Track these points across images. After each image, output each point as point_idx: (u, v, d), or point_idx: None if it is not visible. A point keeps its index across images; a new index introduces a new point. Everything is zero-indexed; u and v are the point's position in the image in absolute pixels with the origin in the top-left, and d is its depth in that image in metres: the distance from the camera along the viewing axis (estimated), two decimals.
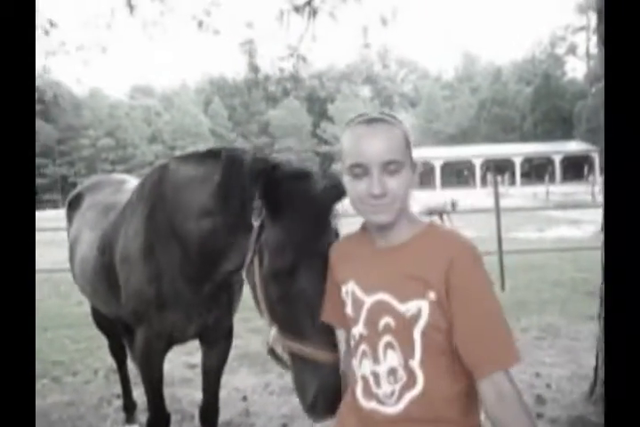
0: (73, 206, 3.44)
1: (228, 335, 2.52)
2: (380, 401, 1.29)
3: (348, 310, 1.36)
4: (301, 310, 1.55)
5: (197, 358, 4.66)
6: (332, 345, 1.55)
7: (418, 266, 1.25)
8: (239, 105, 70.40)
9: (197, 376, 4.20)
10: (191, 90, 75.55)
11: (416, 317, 1.23)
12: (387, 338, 1.27)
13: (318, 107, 69.58)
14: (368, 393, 1.32)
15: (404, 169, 1.27)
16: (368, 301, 1.31)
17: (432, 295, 1.21)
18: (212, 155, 2.01)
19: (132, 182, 3.23)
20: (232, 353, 2.59)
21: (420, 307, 1.22)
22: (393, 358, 1.27)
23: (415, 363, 1.24)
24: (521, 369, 3.98)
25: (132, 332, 3.66)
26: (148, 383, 2.46)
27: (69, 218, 3.46)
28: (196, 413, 3.35)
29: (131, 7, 5.91)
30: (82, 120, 62.74)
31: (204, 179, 1.97)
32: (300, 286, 1.55)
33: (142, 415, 3.45)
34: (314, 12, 5.93)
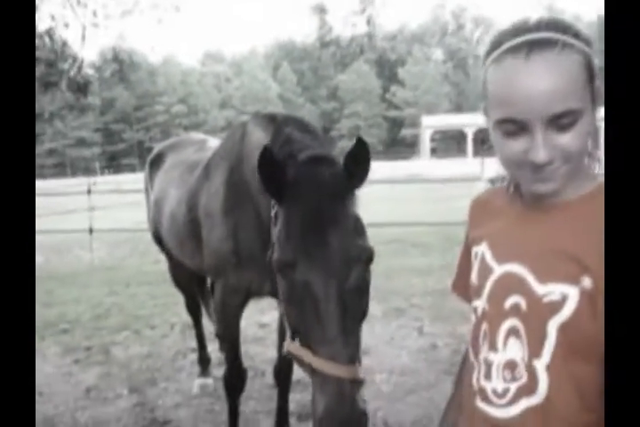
0: (155, 165, 3.49)
1: None
2: (485, 398, 1.00)
3: (473, 277, 1.09)
4: (307, 309, 1.38)
5: (269, 317, 4.76)
6: (348, 356, 1.34)
7: (577, 239, 0.92)
8: (308, 69, 69.93)
9: (269, 335, 4.30)
10: (260, 55, 75.70)
11: (558, 305, 0.91)
12: (512, 322, 0.98)
13: (388, 70, 67.75)
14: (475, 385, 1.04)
15: (584, 117, 0.87)
16: (498, 270, 1.02)
17: (587, 283, 0.89)
18: (275, 122, 1.99)
19: (214, 141, 3.28)
20: None
21: (566, 294, 0.90)
22: (514, 349, 0.97)
23: (541, 364, 0.94)
24: None
25: (206, 291, 3.77)
26: (226, 337, 2.52)
27: (151, 176, 3.51)
28: (268, 370, 3.43)
29: None
30: (156, 87, 64.64)
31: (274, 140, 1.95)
32: (303, 282, 1.39)
33: (216, 370, 3.57)
34: None
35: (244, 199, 2.16)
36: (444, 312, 4.67)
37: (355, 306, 1.40)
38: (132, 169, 50.32)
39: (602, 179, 0.95)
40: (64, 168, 58.78)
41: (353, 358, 1.35)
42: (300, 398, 3.19)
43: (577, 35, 0.88)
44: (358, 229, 1.50)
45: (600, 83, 0.89)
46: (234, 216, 2.22)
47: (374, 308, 4.99)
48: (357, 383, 1.34)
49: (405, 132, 62.20)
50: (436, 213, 10.11)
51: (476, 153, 38.35)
